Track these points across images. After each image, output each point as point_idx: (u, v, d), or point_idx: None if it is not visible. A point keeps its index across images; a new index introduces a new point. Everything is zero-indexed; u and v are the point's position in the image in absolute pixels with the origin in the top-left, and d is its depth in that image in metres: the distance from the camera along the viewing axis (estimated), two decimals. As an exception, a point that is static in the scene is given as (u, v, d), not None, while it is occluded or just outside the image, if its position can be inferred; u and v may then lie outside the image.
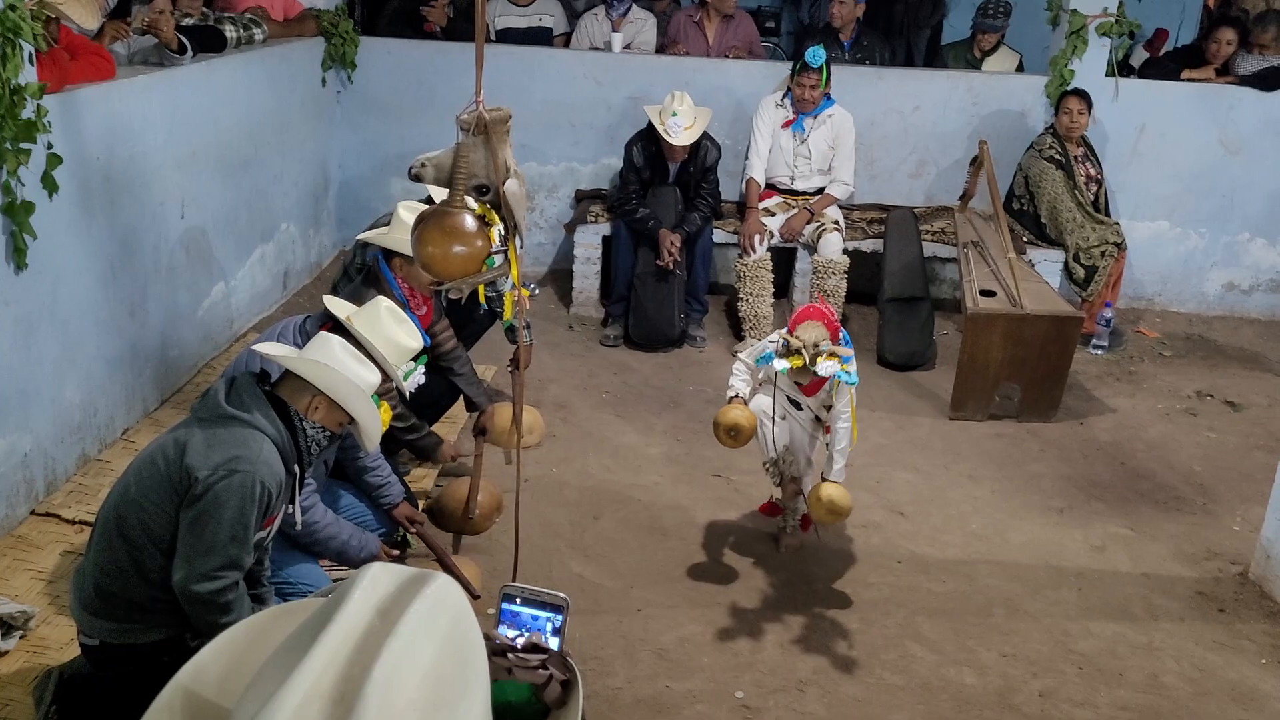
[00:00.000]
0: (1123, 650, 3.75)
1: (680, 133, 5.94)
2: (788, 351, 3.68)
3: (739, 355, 4.12)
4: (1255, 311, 7.19)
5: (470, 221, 2.57)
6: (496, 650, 1.05)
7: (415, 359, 3.33)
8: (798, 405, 4.00)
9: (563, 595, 1.21)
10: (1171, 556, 4.36)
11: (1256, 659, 3.75)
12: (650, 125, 6.08)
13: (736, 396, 3.97)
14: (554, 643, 1.19)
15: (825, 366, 3.64)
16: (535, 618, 1.21)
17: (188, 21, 5.27)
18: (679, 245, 6.01)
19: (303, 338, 3.32)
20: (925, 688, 3.51)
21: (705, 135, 6.13)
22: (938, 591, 4.03)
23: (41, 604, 3.42)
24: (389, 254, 3.86)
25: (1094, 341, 6.39)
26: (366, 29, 7.03)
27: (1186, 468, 5.12)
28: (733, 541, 4.25)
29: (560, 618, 1.21)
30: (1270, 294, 7.19)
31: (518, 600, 1.22)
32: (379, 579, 0.95)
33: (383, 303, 3.20)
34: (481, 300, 4.48)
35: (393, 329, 3.11)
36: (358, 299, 3.66)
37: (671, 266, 6.01)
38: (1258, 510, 4.38)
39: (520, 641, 1.11)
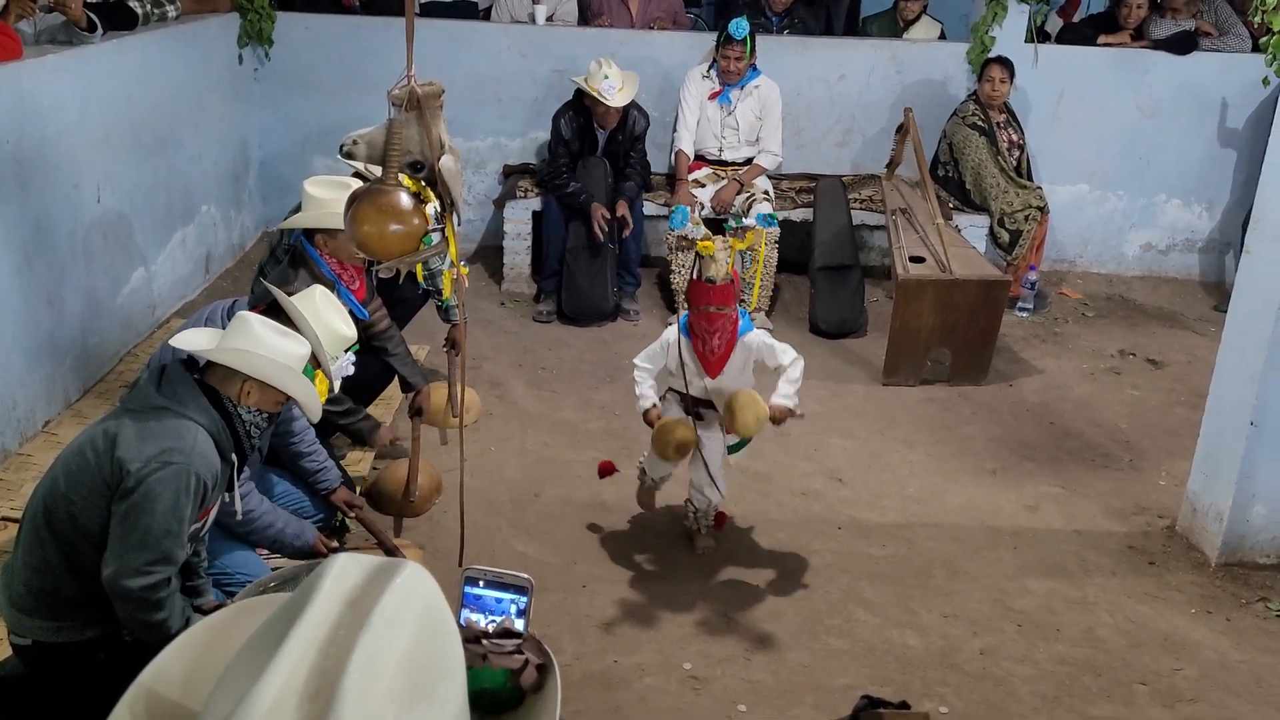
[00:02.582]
0: (1059, 606, 3.84)
1: (615, 94, 5.92)
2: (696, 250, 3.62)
3: (636, 362, 3.84)
4: (1172, 271, 7.37)
5: (406, 199, 2.51)
6: (469, 637, 1.03)
7: (348, 348, 3.27)
8: (700, 416, 3.82)
9: (526, 576, 1.19)
10: (1102, 513, 4.47)
11: (1186, 609, 3.86)
12: (576, 96, 6.04)
13: (655, 406, 3.78)
14: (519, 624, 1.17)
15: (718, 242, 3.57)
16: (499, 600, 1.19)
17: (96, -2, 5.08)
18: (609, 218, 5.98)
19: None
20: (870, 651, 3.56)
21: (634, 104, 6.11)
22: (878, 556, 4.08)
23: (-33, 605, 3.30)
24: (311, 233, 3.78)
25: (1019, 304, 6.50)
26: (283, 4, 6.85)
27: (1113, 425, 5.25)
28: (674, 514, 4.24)
29: (525, 599, 1.19)
30: (1186, 253, 7.37)
31: (480, 583, 1.20)
32: (347, 570, 0.92)
33: (318, 290, 3.14)
34: (420, 280, 4.41)
35: (331, 316, 3.05)
36: (285, 282, 3.58)
37: (602, 239, 5.98)
38: (1182, 465, 4.50)
39: (492, 627, 1.09)
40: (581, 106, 6.02)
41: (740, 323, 3.70)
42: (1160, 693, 3.43)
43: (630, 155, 6.18)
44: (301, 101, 6.78)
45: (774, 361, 3.69)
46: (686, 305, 3.75)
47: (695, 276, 3.63)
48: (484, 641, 1.03)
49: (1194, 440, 4.31)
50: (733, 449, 3.92)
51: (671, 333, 3.78)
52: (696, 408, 3.81)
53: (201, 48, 5.98)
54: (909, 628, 3.67)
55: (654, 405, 3.78)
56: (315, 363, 2.95)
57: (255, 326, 2.75)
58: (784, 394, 3.65)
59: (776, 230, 6.13)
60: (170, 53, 5.57)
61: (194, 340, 2.80)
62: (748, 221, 3.65)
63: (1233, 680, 3.51)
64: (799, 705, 3.29)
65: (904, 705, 1.24)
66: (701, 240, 3.62)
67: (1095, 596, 3.91)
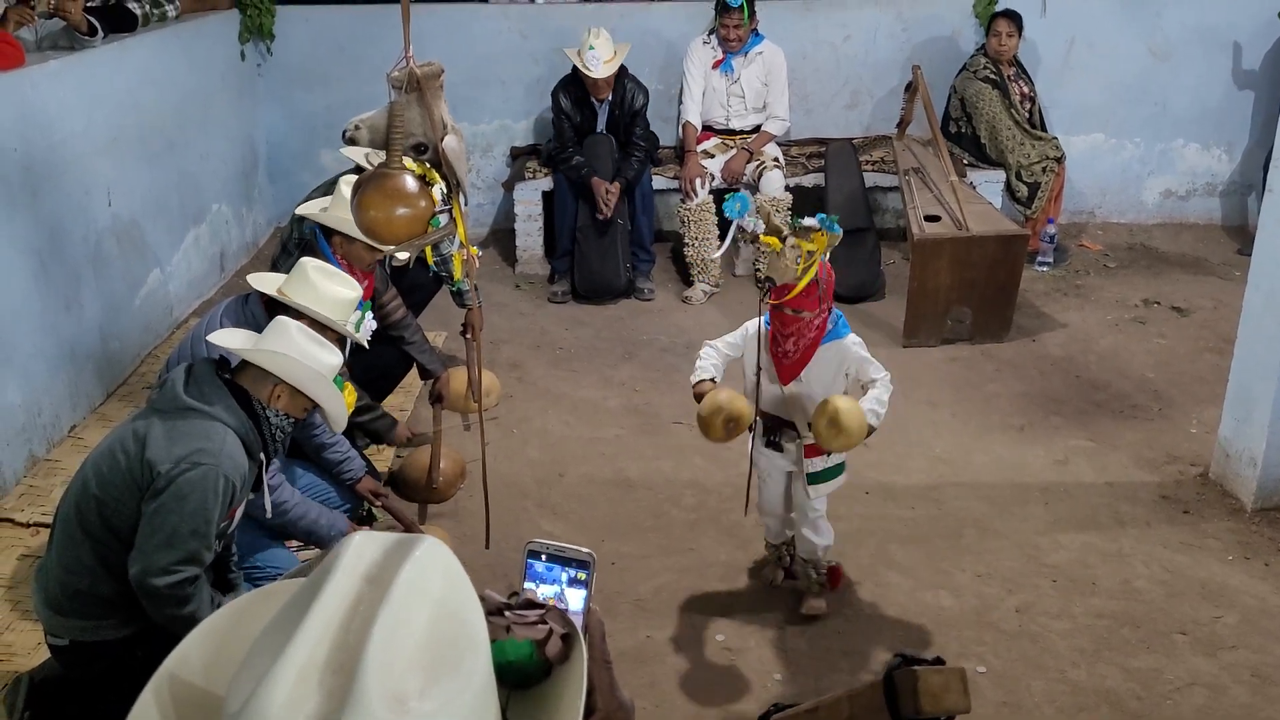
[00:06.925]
0: (1093, 559, 3.80)
1: (599, 65, 5.89)
2: (766, 227, 3.09)
3: (707, 342, 3.42)
4: (1194, 216, 7.28)
5: (411, 182, 2.49)
6: (492, 609, 1.02)
7: (360, 307, 3.25)
8: (779, 447, 3.42)
9: (588, 550, 1.16)
10: (1133, 464, 4.42)
11: (1223, 556, 3.82)
12: (574, 70, 6.00)
13: (709, 380, 3.31)
14: (580, 597, 1.15)
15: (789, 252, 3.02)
16: (556, 569, 1.16)
17: (95, 2, 5.08)
18: (616, 193, 5.96)
19: (246, 317, 3.23)
20: (903, 613, 3.53)
21: (630, 78, 6.11)
22: (907, 518, 4.06)
23: (2, 611, 3.33)
24: (328, 230, 3.76)
25: (1039, 259, 6.43)
26: (281, -3, 6.84)
27: (1140, 375, 5.19)
28: (700, 487, 4.23)
29: (586, 573, 1.16)
30: (1207, 198, 7.27)
31: (543, 556, 1.17)
32: (364, 547, 0.91)
33: (308, 263, 3.11)
34: (430, 263, 4.39)
35: (327, 286, 3.04)
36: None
37: (609, 215, 5.95)
38: (1213, 411, 4.45)
39: (516, 599, 1.07)
40: (578, 79, 6.00)
41: (830, 328, 3.26)
42: (1201, 641, 3.40)
43: (633, 130, 6.14)
44: (306, 95, 6.77)
45: (865, 377, 3.33)
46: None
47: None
48: (507, 613, 1.02)
49: (1224, 386, 4.25)
50: (814, 478, 3.38)
51: (755, 322, 3.32)
52: (774, 432, 3.39)
53: (203, 46, 5.98)
54: (942, 589, 3.65)
55: (709, 379, 3.30)
56: (344, 372, 2.95)
57: (293, 333, 2.74)
58: (869, 409, 3.23)
59: (790, 198, 6.10)
60: (172, 53, 5.56)
61: (230, 340, 2.80)
62: (808, 222, 3.07)
63: (1274, 625, 3.47)
64: (835, 671, 3.28)
65: (939, 661, 1.22)
66: (765, 235, 3.12)
67: (1130, 548, 3.87)
